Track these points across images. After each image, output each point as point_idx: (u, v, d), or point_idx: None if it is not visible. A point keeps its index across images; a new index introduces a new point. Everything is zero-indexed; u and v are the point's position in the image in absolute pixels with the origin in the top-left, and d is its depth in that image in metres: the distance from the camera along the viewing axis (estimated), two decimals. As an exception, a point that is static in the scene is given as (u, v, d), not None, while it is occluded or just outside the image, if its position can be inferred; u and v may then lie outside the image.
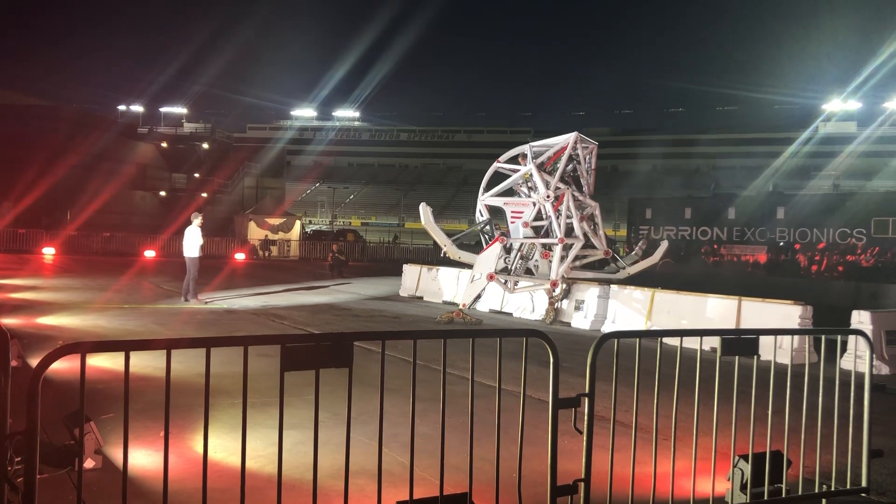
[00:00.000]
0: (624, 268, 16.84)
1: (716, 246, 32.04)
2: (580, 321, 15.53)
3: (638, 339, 4.51)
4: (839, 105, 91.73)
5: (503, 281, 16.27)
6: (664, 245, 17.47)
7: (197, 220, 16.59)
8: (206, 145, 63.35)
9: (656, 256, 17.10)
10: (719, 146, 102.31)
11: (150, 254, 35.98)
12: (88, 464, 4.97)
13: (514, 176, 16.62)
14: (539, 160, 16.20)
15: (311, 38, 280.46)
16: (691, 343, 4.56)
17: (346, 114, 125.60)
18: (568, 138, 16.05)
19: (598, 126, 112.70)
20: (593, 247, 16.50)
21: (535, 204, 16.00)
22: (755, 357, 4.65)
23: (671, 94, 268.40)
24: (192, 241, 16.38)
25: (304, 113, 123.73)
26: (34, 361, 7.97)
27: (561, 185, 15.85)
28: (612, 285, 15.63)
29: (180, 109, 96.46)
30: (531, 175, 16.06)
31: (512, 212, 16.64)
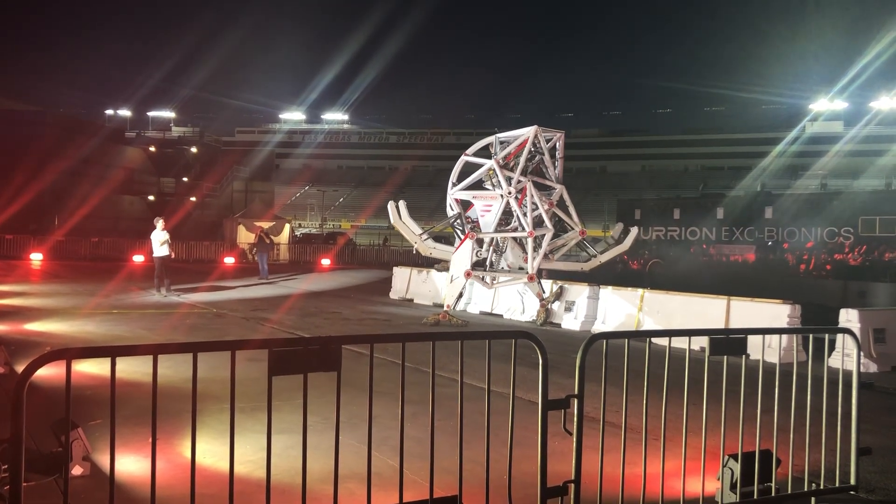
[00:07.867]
0: (595, 255, 16.91)
1: (704, 246, 32.17)
2: (570, 322, 15.56)
3: (627, 340, 4.52)
4: (826, 105, 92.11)
5: (481, 277, 16.29)
6: (633, 231, 17.84)
7: (160, 224, 18.82)
8: (194, 149, 63.08)
9: (626, 244, 17.25)
10: (707, 146, 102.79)
11: (138, 258, 35.78)
12: (76, 471, 4.93)
13: (479, 171, 16.68)
14: (501, 154, 16.26)
15: (300, 41, 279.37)
16: (680, 343, 4.57)
17: (335, 116, 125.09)
18: (528, 132, 16.07)
19: (586, 127, 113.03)
20: (570, 229, 16.54)
21: (502, 197, 15.99)
22: (744, 356, 4.67)
23: (659, 95, 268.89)
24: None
25: (293, 116, 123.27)
26: (21, 368, 7.91)
27: (522, 179, 15.82)
28: (601, 286, 15.68)
29: (168, 113, 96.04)
30: (495, 171, 16.14)
31: (482, 206, 16.68)
